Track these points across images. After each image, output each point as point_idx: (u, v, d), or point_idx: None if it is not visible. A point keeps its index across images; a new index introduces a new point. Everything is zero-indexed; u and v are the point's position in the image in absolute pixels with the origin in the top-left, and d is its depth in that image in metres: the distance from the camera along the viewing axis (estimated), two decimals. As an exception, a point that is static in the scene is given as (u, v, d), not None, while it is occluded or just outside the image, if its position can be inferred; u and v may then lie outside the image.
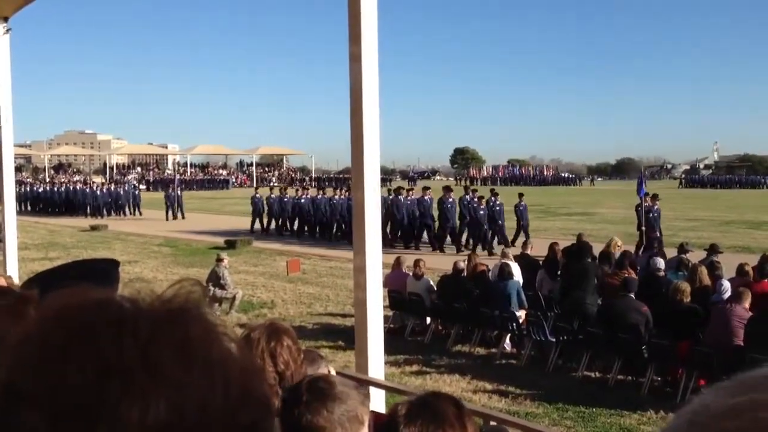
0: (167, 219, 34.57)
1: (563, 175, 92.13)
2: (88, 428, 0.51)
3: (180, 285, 0.63)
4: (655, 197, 21.01)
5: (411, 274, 12.52)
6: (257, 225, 28.98)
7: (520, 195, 23.99)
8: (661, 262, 12.11)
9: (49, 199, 42.99)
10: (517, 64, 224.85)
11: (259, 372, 0.64)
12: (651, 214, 20.20)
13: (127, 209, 39.24)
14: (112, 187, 41.69)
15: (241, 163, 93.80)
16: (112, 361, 0.54)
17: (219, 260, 13.72)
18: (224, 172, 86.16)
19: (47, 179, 60.87)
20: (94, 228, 30.50)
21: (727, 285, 10.36)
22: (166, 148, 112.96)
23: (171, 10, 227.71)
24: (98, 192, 39.89)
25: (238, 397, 0.58)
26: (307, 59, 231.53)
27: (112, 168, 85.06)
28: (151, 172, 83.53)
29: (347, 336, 10.66)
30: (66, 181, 55.15)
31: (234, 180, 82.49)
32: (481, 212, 22.53)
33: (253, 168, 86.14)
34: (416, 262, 12.70)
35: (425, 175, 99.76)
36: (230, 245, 22.62)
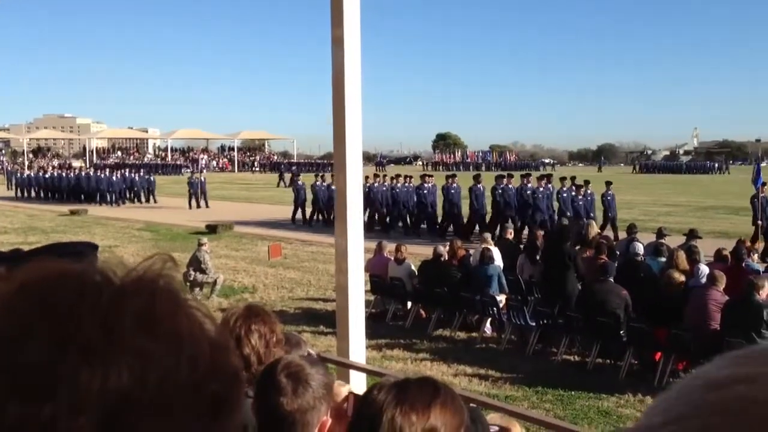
0: (190, 207, 32.03)
1: (528, 161, 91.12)
2: (48, 397, 0.52)
3: (152, 260, 0.63)
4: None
5: (392, 258, 12.55)
6: (299, 215, 26.52)
7: (608, 183, 21.74)
8: (640, 247, 12.21)
9: (56, 186, 40.43)
10: (500, 51, 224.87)
11: (229, 346, 0.65)
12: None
13: (142, 196, 37.13)
14: (127, 172, 39.11)
15: (222, 148, 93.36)
16: (72, 331, 0.54)
17: (200, 245, 13.68)
18: (204, 156, 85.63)
19: (47, 164, 58.00)
20: (74, 212, 30.26)
21: (705, 270, 10.47)
22: (147, 132, 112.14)
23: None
24: (113, 178, 37.33)
25: (206, 369, 0.58)
26: (289, 42, 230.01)
27: (92, 152, 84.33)
28: (131, 156, 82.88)
29: (329, 320, 10.69)
30: (79, 167, 51.67)
31: (216, 164, 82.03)
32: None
33: (235, 152, 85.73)
34: (398, 247, 12.73)
35: (407, 160, 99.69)
36: (211, 230, 22.54)
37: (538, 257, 12.64)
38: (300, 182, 26.68)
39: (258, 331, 2.69)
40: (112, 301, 0.57)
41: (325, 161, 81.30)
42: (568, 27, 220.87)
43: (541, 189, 21.46)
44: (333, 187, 24.42)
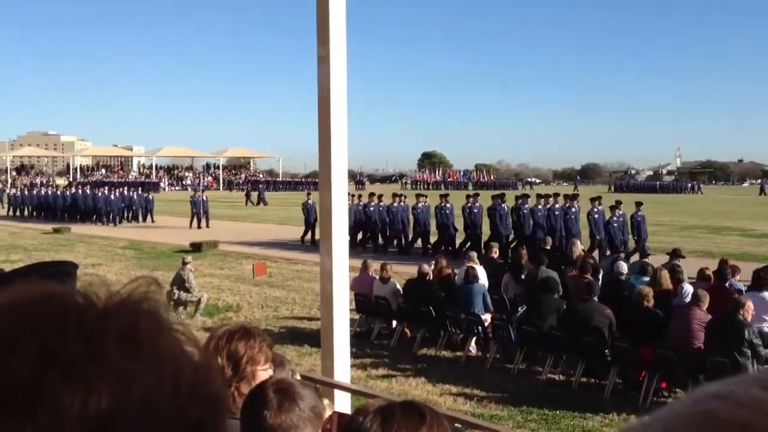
0: (191, 227, 31.17)
1: (507, 180, 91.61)
2: (30, 417, 0.52)
3: (137, 282, 0.63)
4: None
5: (377, 277, 12.54)
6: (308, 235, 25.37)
7: (638, 204, 20.64)
8: (624, 266, 12.28)
9: (50, 205, 39.15)
10: (486, 70, 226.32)
11: (213, 369, 0.65)
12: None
13: (140, 215, 36.18)
14: (125, 191, 37.93)
15: (207, 166, 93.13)
16: (55, 351, 0.54)
17: (184, 263, 13.60)
18: (189, 175, 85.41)
19: (45, 182, 56.63)
20: (57, 230, 30.03)
21: (688, 289, 10.54)
22: (131, 149, 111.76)
23: (136, 10, 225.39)
24: (111, 197, 36.08)
25: (188, 392, 0.58)
26: (275, 61, 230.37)
27: (75, 170, 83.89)
28: (115, 175, 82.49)
29: (314, 339, 10.63)
30: (64, 185, 50.54)
31: (202, 182, 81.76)
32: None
33: (220, 171, 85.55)
34: (383, 266, 12.72)
35: (392, 178, 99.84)
36: (196, 248, 22.43)
37: (522, 276, 12.68)
38: (310, 202, 25.33)
39: (227, 350, 2.68)
40: (96, 323, 0.57)
41: (310, 179, 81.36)
42: (554, 46, 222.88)
43: (573, 209, 20.86)
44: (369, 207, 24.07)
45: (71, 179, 69.96)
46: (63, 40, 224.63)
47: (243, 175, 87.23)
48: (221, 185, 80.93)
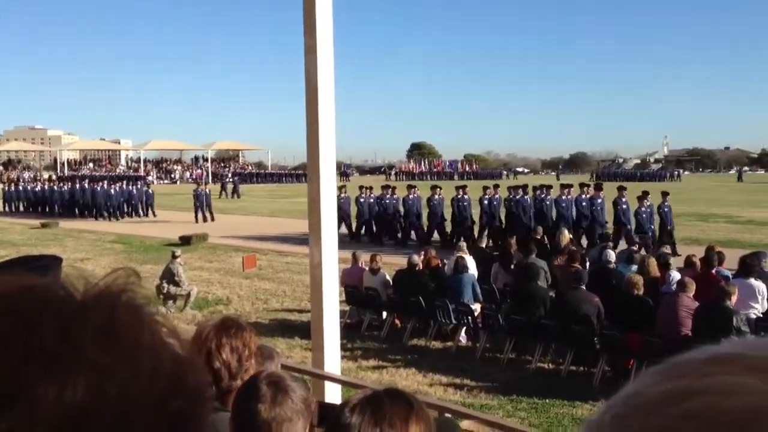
0: (197, 221, 30.68)
1: (492, 171, 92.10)
2: (6, 409, 0.52)
3: (116, 274, 0.63)
4: None
5: (367, 268, 12.55)
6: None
7: (664, 194, 20.29)
8: (612, 255, 12.34)
9: (46, 200, 38.35)
10: (475, 60, 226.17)
11: (194, 362, 0.65)
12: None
13: (140, 210, 35.56)
14: (125, 185, 37.26)
15: (196, 159, 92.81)
16: (32, 343, 0.54)
17: (174, 257, 13.58)
18: (178, 168, 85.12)
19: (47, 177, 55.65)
20: (45, 225, 29.88)
21: (676, 276, 10.60)
22: (119, 143, 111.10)
23: (122, 3, 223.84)
24: (112, 191, 35.40)
25: (168, 384, 0.58)
26: (263, 51, 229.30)
27: (63, 164, 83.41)
28: (103, 168, 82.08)
29: (304, 331, 10.64)
30: (48, 177, 49.75)
31: (189, 175, 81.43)
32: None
33: (209, 163, 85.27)
34: (373, 257, 12.74)
35: (381, 170, 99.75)
36: (185, 241, 22.36)
37: (512, 266, 12.72)
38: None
39: (229, 345, 2.68)
40: (74, 315, 0.57)
41: (299, 171, 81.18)
42: (541, 36, 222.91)
43: (599, 200, 20.56)
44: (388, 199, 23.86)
45: (59, 173, 69.52)
46: (49, 34, 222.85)
47: (232, 167, 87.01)
48: (210, 178, 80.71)
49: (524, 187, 22.50)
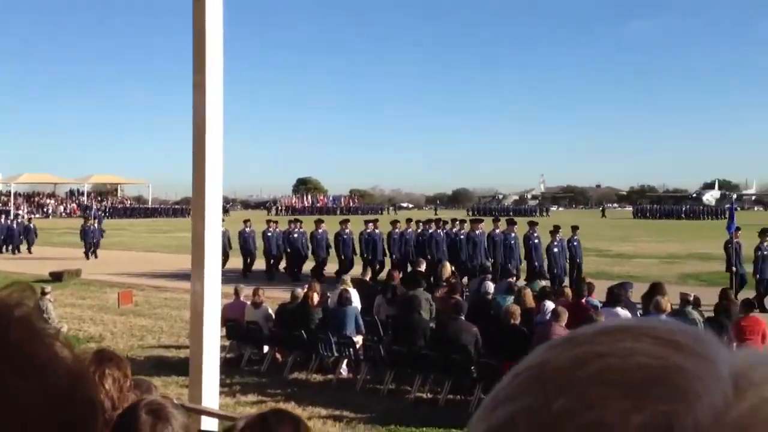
0: (87, 257, 29.29)
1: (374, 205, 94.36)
2: None
3: (10, 288, 0.63)
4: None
5: (249, 302, 12.38)
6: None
7: (574, 228, 20.67)
8: (491, 286, 12.70)
9: None
10: (357, 96, 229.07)
11: (86, 375, 0.65)
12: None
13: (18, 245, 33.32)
14: (2, 219, 34.79)
15: (71, 192, 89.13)
16: None
17: (43, 293, 12.95)
18: (51, 202, 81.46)
19: None
20: None
21: (550, 306, 11.00)
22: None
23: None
24: None
25: (60, 397, 0.58)
26: (145, 83, 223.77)
27: None
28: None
29: (181, 368, 10.35)
30: None
31: (64, 209, 78.10)
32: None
33: (85, 197, 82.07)
34: (255, 291, 12.60)
35: (267, 204, 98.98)
36: (56, 277, 21.36)
37: (394, 298, 12.85)
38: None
39: (111, 376, 2.60)
40: None
41: (182, 206, 79.40)
42: (423, 74, 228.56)
43: (512, 234, 20.43)
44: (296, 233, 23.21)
45: None
46: None
47: (110, 202, 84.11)
48: (84, 212, 77.71)
49: (437, 221, 22.51)
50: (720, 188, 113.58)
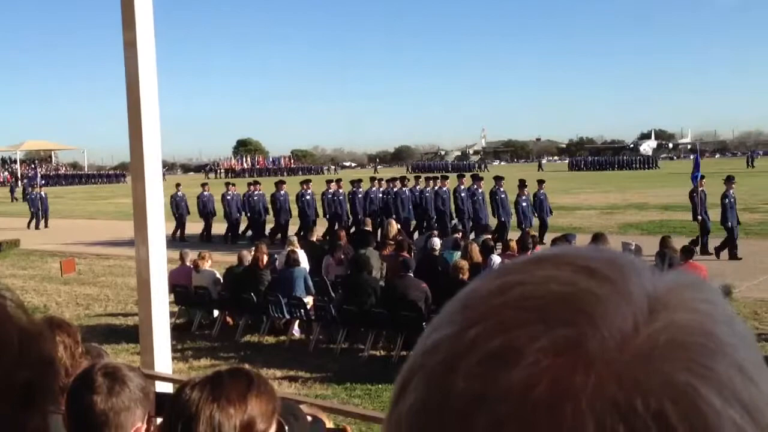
0: (29, 227, 28.32)
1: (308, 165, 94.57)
2: None
3: None
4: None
5: (195, 267, 12.26)
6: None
7: (540, 182, 20.59)
8: (437, 242, 12.83)
9: None
10: (298, 55, 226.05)
11: (42, 334, 0.64)
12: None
13: None
14: None
15: (2, 160, 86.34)
16: None
17: (-19, 265, 12.61)
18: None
19: None
20: None
21: (497, 260, 11.20)
22: None
23: None
24: None
25: (14, 355, 0.58)
26: (78, 45, 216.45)
27: None
28: None
29: (131, 336, 10.27)
30: None
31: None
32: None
33: (18, 165, 79.61)
34: (201, 255, 12.48)
35: (207, 167, 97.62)
36: (-6, 248, 20.81)
37: (342, 258, 12.90)
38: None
39: (63, 343, 2.57)
40: None
41: (119, 171, 77.71)
42: (364, 32, 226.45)
43: (480, 190, 20.36)
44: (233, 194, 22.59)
45: None
46: None
47: (44, 169, 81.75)
48: (19, 181, 75.43)
49: (402, 179, 22.33)
50: (656, 138, 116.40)
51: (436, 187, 21.18)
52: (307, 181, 22.71)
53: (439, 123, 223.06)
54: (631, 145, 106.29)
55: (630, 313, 0.42)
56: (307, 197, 21.83)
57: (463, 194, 20.28)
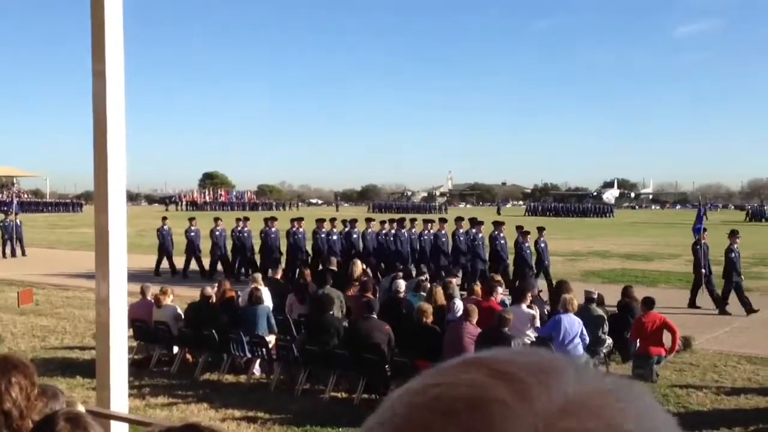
0: (4, 256, 28.08)
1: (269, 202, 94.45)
2: None
3: None
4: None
5: (156, 302, 12.09)
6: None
7: (540, 229, 20.13)
8: (402, 284, 12.83)
9: None
10: (267, 89, 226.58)
11: None
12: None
13: None
14: None
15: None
16: None
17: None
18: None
19: None
20: None
21: (459, 304, 11.24)
22: None
23: None
24: None
25: None
26: (44, 73, 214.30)
27: None
28: None
29: (86, 370, 10.06)
30: None
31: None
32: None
33: (-23, 190, 78.11)
34: (162, 290, 12.31)
35: (172, 199, 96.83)
36: (-51, 276, 20.33)
37: (306, 297, 12.84)
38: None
39: (19, 384, 2.53)
40: None
41: (77, 201, 76.63)
42: (333, 71, 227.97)
43: (480, 234, 20.20)
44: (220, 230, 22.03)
45: None
46: None
47: (5, 195, 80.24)
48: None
49: (400, 221, 21.81)
50: (619, 187, 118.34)
51: (434, 230, 20.94)
52: (273, 218, 22.48)
53: (408, 164, 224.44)
54: (595, 193, 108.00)
55: (530, 423, 0.44)
56: (272, 235, 21.68)
57: (462, 237, 20.16)
